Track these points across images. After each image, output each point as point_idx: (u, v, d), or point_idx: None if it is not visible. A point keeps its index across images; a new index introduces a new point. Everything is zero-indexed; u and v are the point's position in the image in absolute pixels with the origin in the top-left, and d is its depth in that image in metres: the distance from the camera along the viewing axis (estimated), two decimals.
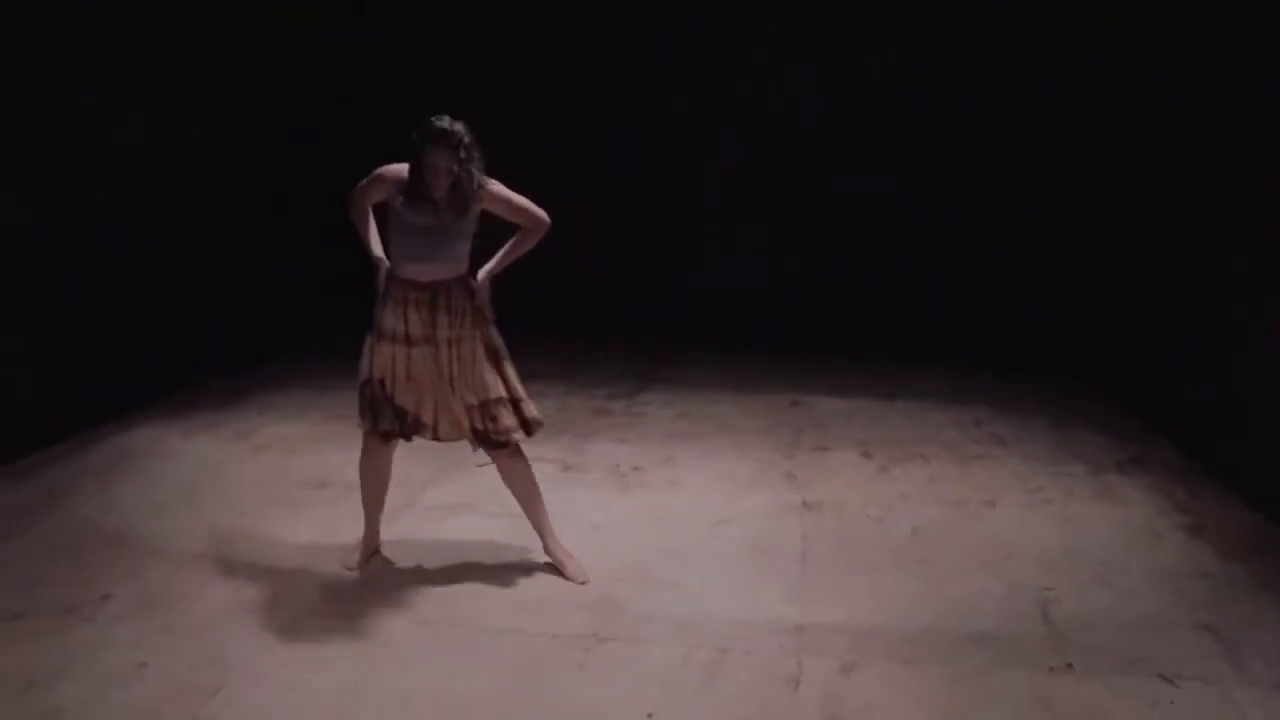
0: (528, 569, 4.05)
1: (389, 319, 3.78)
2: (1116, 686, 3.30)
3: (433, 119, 3.61)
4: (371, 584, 3.91)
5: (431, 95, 7.56)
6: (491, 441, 3.90)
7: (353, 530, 4.34)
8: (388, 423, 3.90)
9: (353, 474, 4.67)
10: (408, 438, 3.99)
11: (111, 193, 5.46)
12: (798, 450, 5.33)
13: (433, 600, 3.79)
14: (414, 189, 3.66)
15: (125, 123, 5.53)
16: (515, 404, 3.92)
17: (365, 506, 4.14)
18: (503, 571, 4.03)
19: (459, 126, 3.60)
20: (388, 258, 3.85)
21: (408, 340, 3.76)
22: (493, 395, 3.85)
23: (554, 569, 4.03)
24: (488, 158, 3.73)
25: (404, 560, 4.12)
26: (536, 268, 7.33)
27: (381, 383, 3.84)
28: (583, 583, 3.96)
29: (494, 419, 3.86)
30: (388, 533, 4.29)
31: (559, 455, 5.21)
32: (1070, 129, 6.93)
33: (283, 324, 7.26)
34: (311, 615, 3.68)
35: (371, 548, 4.16)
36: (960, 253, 7.19)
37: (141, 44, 5.64)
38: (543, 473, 4.88)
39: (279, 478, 4.94)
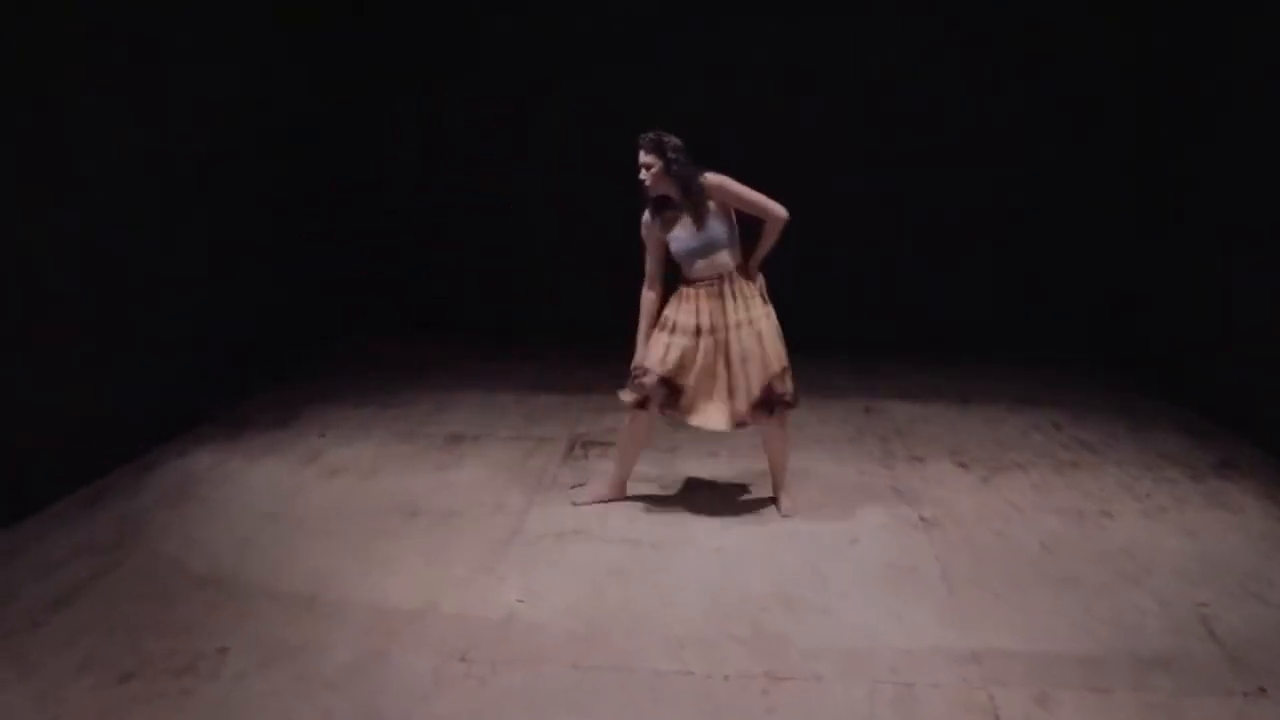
0: (668, 599, 3.81)
1: (684, 316, 4.30)
2: None
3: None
4: (509, 624, 3.64)
5: (432, 95, 7.43)
6: (768, 408, 4.36)
7: (467, 561, 4.11)
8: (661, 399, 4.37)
9: (441, 501, 4.71)
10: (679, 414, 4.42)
11: (111, 196, 5.17)
12: (893, 461, 5.16)
13: (581, 641, 3.54)
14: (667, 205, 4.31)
15: (125, 123, 5.27)
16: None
17: (625, 463, 4.63)
18: (642, 604, 3.79)
19: (649, 135, 4.23)
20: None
21: (697, 332, 4.26)
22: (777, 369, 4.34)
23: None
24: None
25: (534, 595, 3.85)
26: (537, 268, 7.19)
27: (670, 376, 4.30)
28: (786, 515, 4.54)
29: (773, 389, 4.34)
30: (503, 560, 4.11)
31: (652, 472, 4.98)
32: (1070, 129, 6.92)
33: (288, 329, 7.05)
34: (456, 662, 3.41)
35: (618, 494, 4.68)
36: (960, 252, 7.19)
37: (141, 44, 5.39)
38: (642, 492, 4.76)
39: (364, 505, 4.63)
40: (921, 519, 4.50)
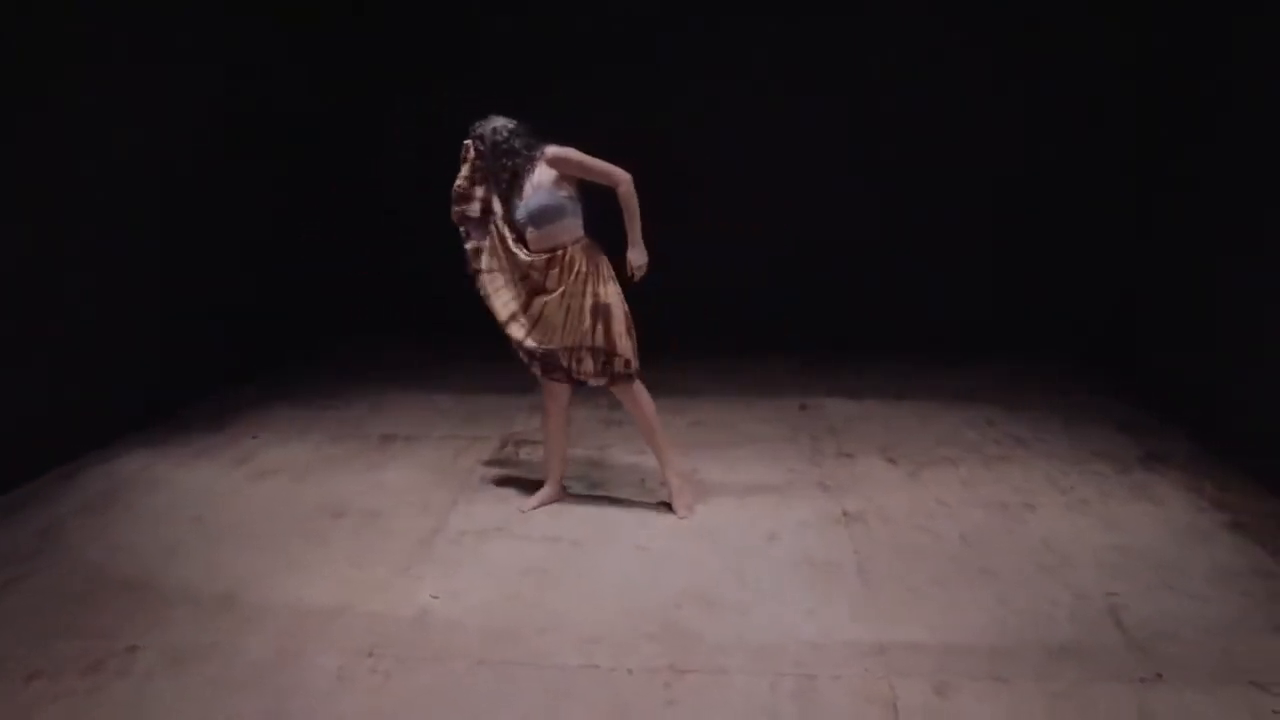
0: (584, 597, 3.84)
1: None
2: (1214, 696, 3.21)
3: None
4: (422, 622, 3.66)
5: (432, 95, 7.41)
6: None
7: (388, 560, 4.14)
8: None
9: (368, 502, 4.75)
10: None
11: (110, 196, 5.30)
12: (822, 457, 5.19)
13: (492, 637, 3.56)
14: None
15: (125, 123, 5.41)
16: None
17: (551, 458, 4.69)
18: (558, 601, 3.81)
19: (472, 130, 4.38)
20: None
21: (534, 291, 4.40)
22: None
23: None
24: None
25: (451, 593, 3.87)
26: None
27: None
28: (682, 517, 4.51)
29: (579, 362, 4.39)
30: (422, 559, 4.15)
31: (580, 472, 5.01)
32: (1070, 129, 6.94)
33: (286, 328, 7.21)
34: (364, 659, 3.43)
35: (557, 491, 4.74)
36: (957, 251, 7.21)
37: (141, 44, 5.51)
38: (570, 491, 4.79)
39: (291, 508, 4.65)
40: (845, 514, 4.53)
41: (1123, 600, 3.79)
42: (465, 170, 4.35)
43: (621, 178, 4.27)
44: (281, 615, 3.71)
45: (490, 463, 5.18)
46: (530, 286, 4.34)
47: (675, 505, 4.57)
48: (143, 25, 5.50)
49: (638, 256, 4.38)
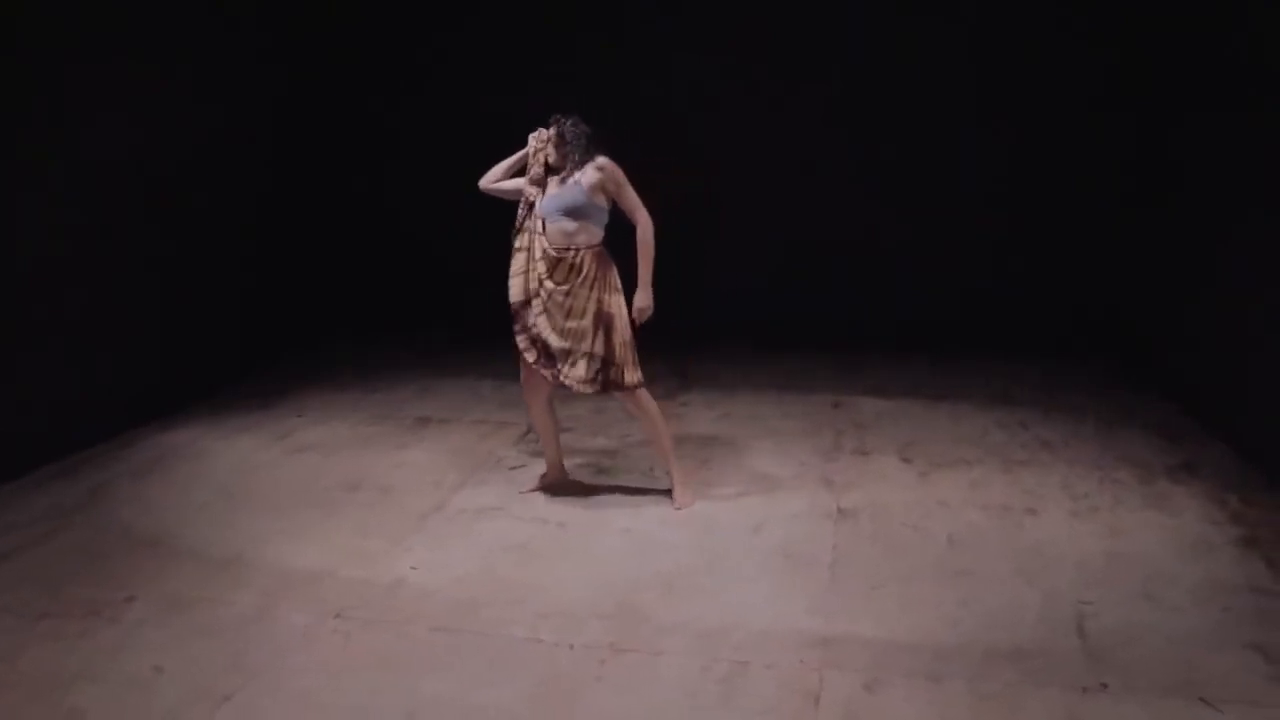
0: (555, 575, 4.01)
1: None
2: (1154, 708, 3.13)
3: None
4: (395, 590, 3.90)
5: (430, 95, 7.62)
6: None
7: (385, 532, 4.40)
8: None
9: (386, 478, 4.99)
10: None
11: (124, 190, 5.58)
12: (838, 454, 5.21)
13: (458, 608, 3.76)
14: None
15: (134, 122, 5.66)
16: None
17: (545, 442, 4.85)
18: (529, 578, 3.99)
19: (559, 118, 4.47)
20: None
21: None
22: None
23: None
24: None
25: (432, 564, 4.10)
26: None
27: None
28: (678, 508, 4.57)
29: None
30: (415, 533, 4.39)
31: (593, 459, 5.18)
32: (1064, 126, 6.84)
33: (300, 321, 7.46)
34: (333, 620, 3.67)
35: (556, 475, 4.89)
36: (1008, 250, 7.07)
37: (140, 44, 5.72)
38: (580, 476, 4.98)
39: (314, 481, 4.97)
40: (839, 510, 4.55)
41: (1094, 608, 3.72)
42: (541, 156, 4.49)
43: (643, 220, 4.40)
44: (271, 575, 4.01)
45: (511, 447, 5.39)
46: (542, 273, 4.44)
47: (675, 501, 4.65)
48: (141, 25, 5.68)
49: (643, 299, 4.45)
